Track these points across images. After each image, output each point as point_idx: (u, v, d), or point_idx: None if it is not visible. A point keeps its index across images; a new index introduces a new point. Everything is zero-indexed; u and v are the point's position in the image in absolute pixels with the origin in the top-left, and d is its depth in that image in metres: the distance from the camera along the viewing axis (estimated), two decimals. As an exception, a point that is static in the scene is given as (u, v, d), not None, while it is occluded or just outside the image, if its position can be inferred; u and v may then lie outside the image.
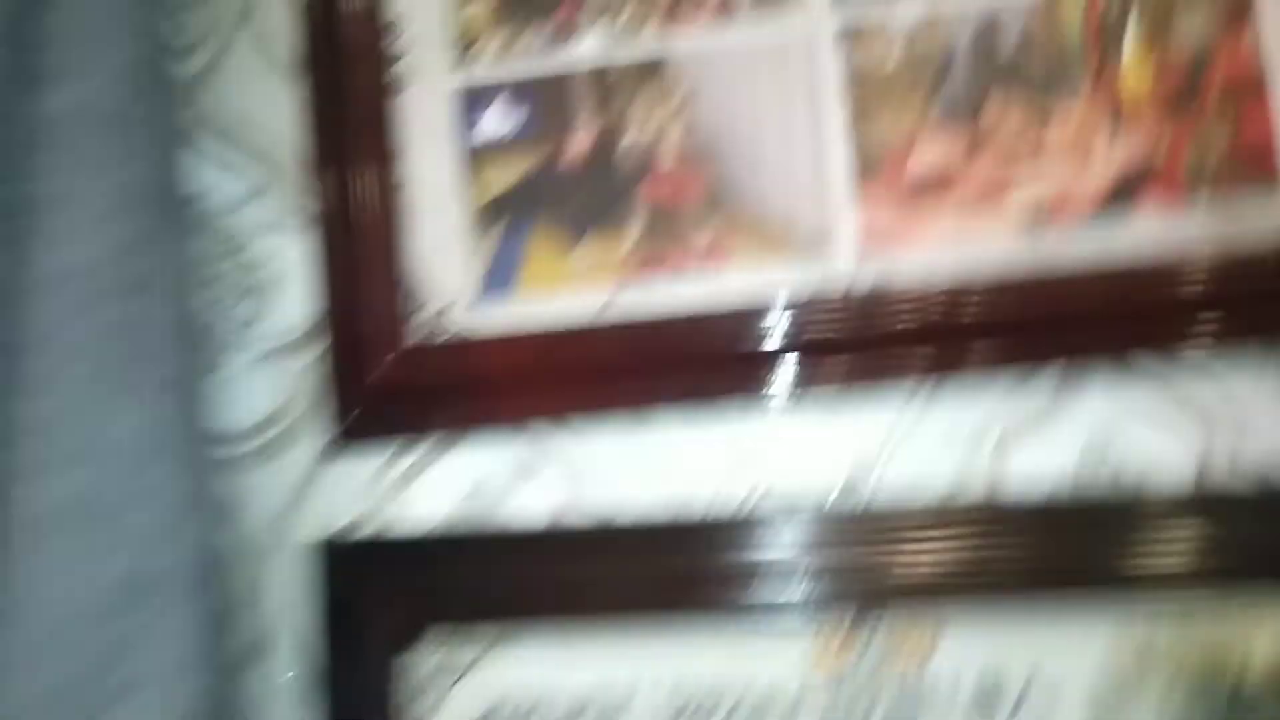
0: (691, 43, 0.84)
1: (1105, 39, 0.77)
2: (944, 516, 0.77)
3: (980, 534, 0.76)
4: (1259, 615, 0.73)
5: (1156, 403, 0.77)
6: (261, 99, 0.91)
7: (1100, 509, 0.76)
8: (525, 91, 0.86)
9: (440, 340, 0.86)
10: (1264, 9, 0.75)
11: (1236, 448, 0.76)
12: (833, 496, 0.80)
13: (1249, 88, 0.75)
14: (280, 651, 0.88)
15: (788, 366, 0.80)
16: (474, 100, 0.87)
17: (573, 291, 0.85)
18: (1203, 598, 0.73)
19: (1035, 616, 0.76)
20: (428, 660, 0.84)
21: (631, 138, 0.85)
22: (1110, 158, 0.77)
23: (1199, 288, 0.75)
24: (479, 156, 0.87)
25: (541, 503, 0.85)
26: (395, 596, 0.85)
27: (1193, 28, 0.76)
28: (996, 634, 0.76)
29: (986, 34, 0.79)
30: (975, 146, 0.79)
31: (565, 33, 0.86)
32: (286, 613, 0.87)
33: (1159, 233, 0.76)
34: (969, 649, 0.77)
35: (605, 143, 0.85)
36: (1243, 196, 0.75)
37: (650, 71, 0.85)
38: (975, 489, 0.78)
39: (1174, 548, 0.74)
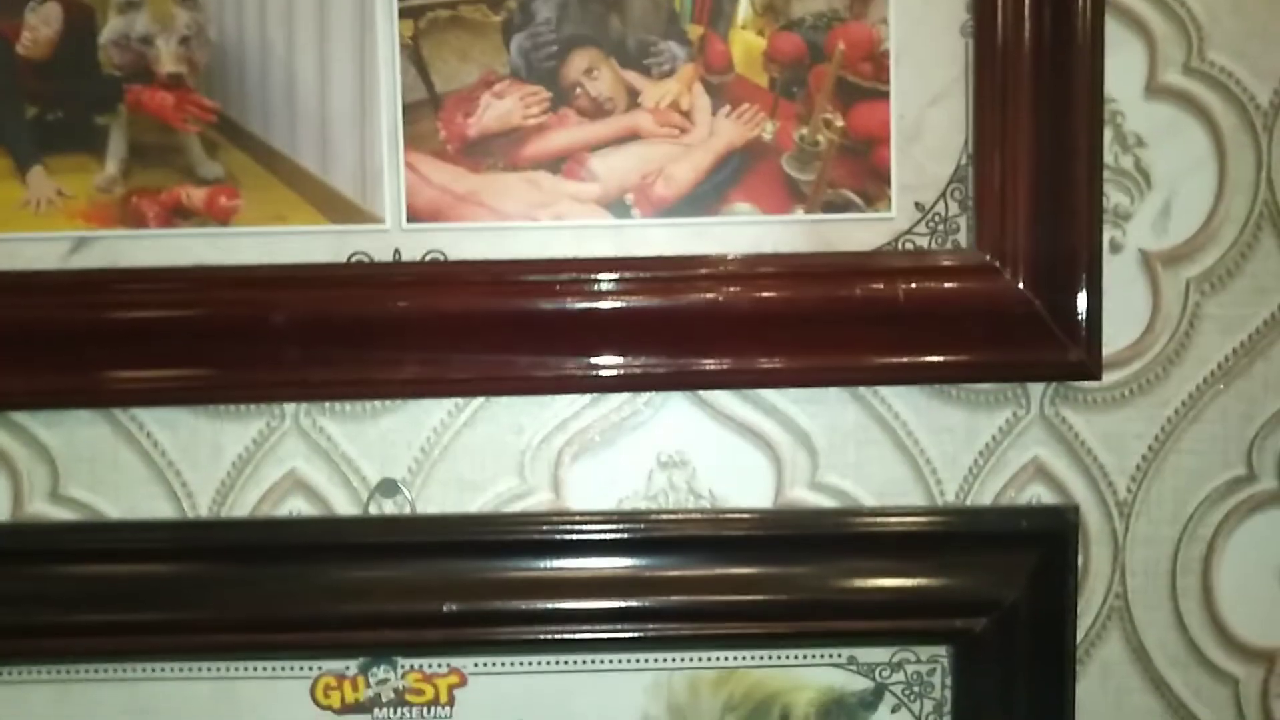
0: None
1: (714, 4, 0.64)
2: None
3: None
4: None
5: (730, 425, 0.68)
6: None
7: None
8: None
9: None
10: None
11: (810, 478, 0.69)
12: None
13: (867, 77, 0.64)
14: None
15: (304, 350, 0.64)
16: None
17: (25, 230, 0.64)
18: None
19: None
20: None
21: (120, 26, 0.63)
22: (708, 139, 0.64)
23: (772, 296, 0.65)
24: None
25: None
26: None
27: (812, 5, 0.64)
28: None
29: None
30: (554, 106, 0.64)
31: None
32: None
33: (754, 230, 0.65)
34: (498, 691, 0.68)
35: (80, 27, 0.63)
36: (849, 202, 0.65)
37: (150, -63, 0.63)
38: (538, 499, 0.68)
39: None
